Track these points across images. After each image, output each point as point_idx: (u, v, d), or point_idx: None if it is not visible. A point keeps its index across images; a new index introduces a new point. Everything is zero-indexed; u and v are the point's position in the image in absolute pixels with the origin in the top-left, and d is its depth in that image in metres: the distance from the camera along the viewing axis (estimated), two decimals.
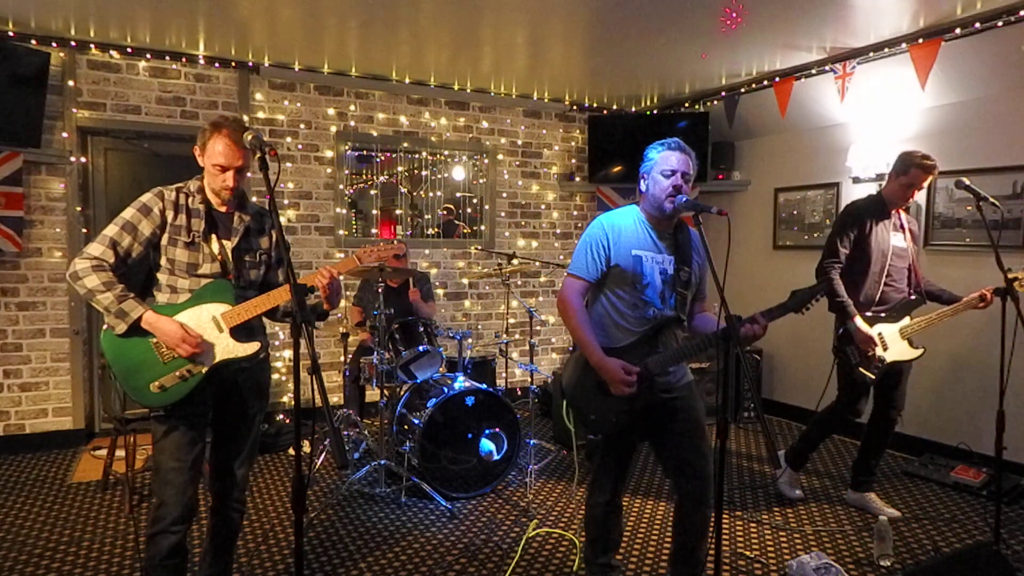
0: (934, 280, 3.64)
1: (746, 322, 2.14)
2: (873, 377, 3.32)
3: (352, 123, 5.30)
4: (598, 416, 2.34)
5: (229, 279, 2.25)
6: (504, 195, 5.94)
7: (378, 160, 5.50)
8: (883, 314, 3.38)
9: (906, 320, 3.39)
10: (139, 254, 2.18)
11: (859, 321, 3.29)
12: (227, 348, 2.21)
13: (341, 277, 2.46)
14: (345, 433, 4.40)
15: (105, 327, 2.16)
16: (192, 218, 2.22)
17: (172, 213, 2.20)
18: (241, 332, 2.24)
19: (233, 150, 2.16)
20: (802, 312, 2.21)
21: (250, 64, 4.86)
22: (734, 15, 3.62)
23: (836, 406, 3.55)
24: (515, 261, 4.46)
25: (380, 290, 3.86)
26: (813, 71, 4.68)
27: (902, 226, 3.45)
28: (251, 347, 2.25)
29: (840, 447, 4.72)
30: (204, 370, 2.17)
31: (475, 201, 5.92)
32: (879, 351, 3.31)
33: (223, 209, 2.28)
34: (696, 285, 2.40)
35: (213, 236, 2.25)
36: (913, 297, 3.43)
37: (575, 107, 6.08)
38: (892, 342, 3.35)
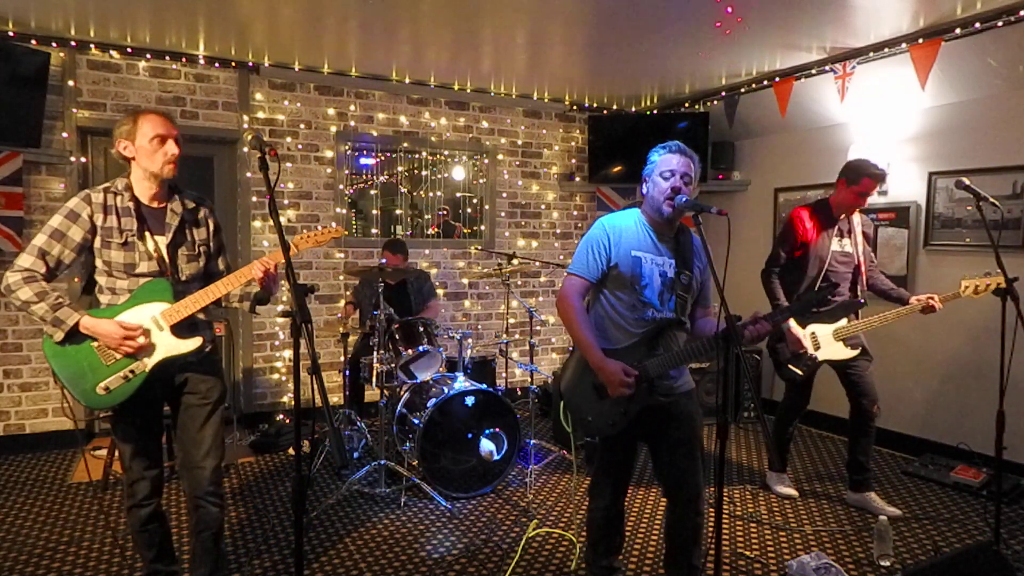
0: (931, 281, 3.66)
1: (748, 324, 2.14)
2: (800, 374, 3.48)
3: (352, 123, 5.30)
4: (595, 418, 2.34)
5: (167, 276, 2.27)
6: (504, 195, 5.94)
7: (378, 160, 5.50)
8: (813, 313, 3.47)
9: (843, 322, 3.47)
10: (71, 260, 2.21)
11: (792, 323, 3.42)
12: (169, 346, 2.24)
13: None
14: (345, 433, 4.40)
15: (45, 335, 2.18)
16: (122, 217, 2.23)
17: (101, 216, 2.21)
18: (183, 328, 2.26)
19: (166, 122, 2.24)
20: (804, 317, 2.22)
21: (250, 64, 4.86)
22: (729, 11, 3.62)
23: (785, 398, 3.77)
24: (515, 261, 4.46)
25: (380, 290, 3.86)
26: (813, 71, 4.68)
27: (850, 231, 3.54)
28: (193, 343, 2.28)
29: (840, 446, 4.72)
30: (147, 368, 2.21)
31: (475, 201, 5.92)
32: (810, 350, 3.45)
33: (154, 205, 2.30)
34: (698, 290, 2.40)
35: (147, 234, 2.26)
36: (854, 300, 3.51)
37: (575, 107, 6.08)
38: (825, 342, 3.46)
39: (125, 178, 2.29)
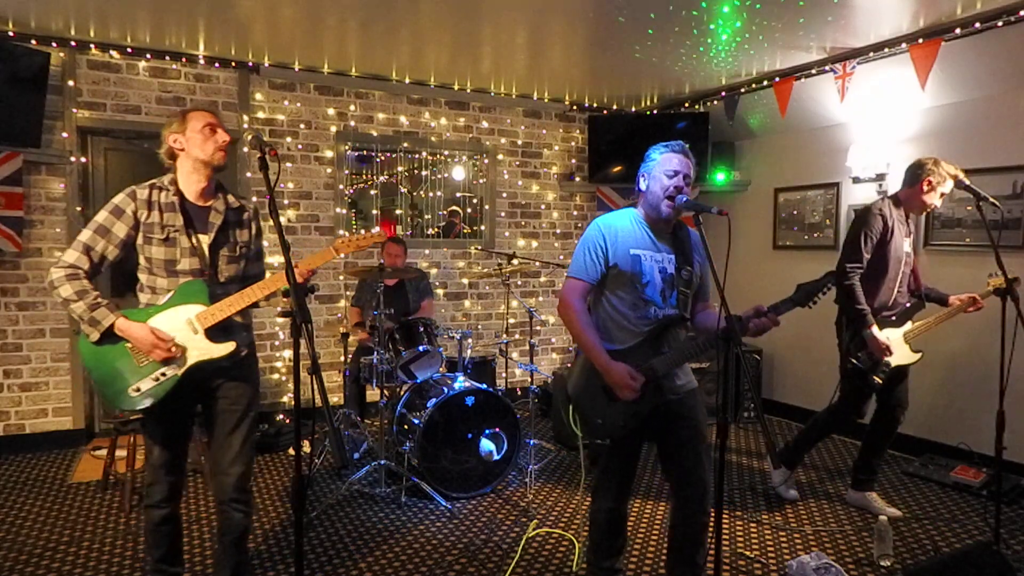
0: (932, 281, 3.66)
1: (753, 318, 2.14)
2: (880, 382, 3.32)
3: (352, 123, 5.30)
4: (605, 420, 2.32)
5: (205, 276, 2.26)
6: (504, 195, 5.94)
7: (378, 160, 5.50)
8: (892, 318, 3.39)
9: (908, 325, 3.41)
10: (115, 256, 2.21)
11: (875, 330, 3.27)
12: (202, 350, 2.22)
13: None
14: (345, 433, 4.40)
15: (81, 334, 2.18)
16: (165, 213, 2.23)
17: (145, 212, 2.21)
18: (218, 332, 2.24)
19: (214, 115, 2.29)
20: (809, 306, 2.20)
21: (250, 64, 4.86)
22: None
23: (839, 408, 3.54)
24: (515, 261, 4.46)
25: (380, 291, 3.86)
26: (813, 71, 4.68)
27: (910, 231, 3.45)
28: (227, 347, 2.26)
29: (840, 446, 4.72)
30: (179, 373, 2.19)
31: (475, 201, 5.92)
32: (886, 356, 3.31)
33: (199, 202, 2.29)
34: (697, 284, 2.40)
35: (190, 231, 2.25)
36: (915, 301, 3.46)
37: (575, 107, 6.08)
38: (896, 347, 3.34)
39: (172, 174, 2.29)
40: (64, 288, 2.12)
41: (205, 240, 2.27)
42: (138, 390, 2.16)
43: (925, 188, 3.28)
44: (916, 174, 3.32)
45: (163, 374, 2.17)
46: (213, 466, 2.39)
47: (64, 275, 2.13)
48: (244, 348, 2.35)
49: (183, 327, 2.20)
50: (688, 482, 2.34)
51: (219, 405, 2.35)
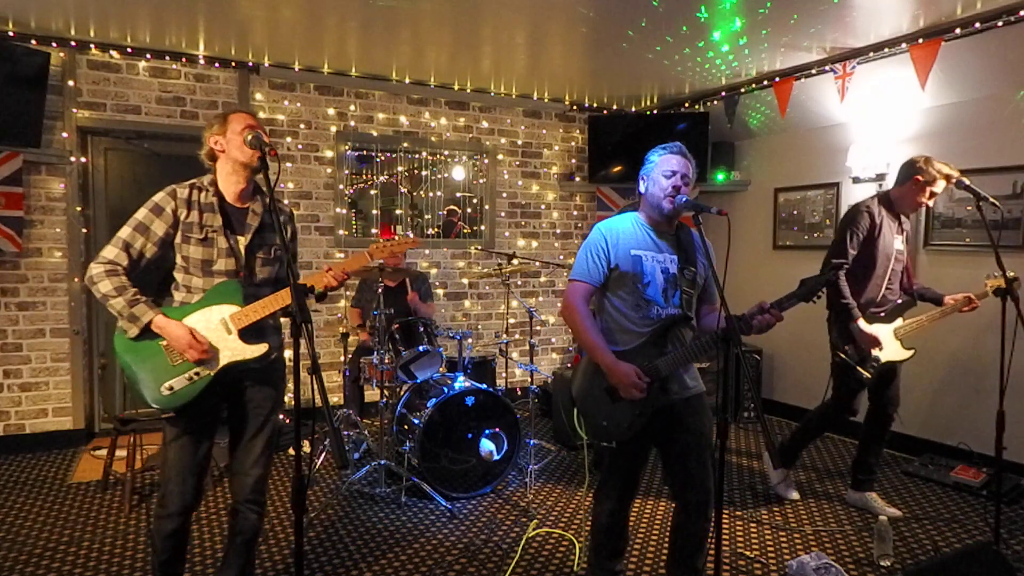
0: (931, 281, 3.66)
1: (757, 315, 2.15)
2: (870, 376, 3.35)
3: (352, 123, 5.30)
4: (610, 423, 2.32)
5: (240, 277, 2.26)
6: (504, 195, 5.94)
7: (378, 160, 5.50)
8: (881, 314, 3.40)
9: (899, 321, 3.42)
10: (154, 254, 2.21)
11: (862, 323, 3.30)
12: (235, 350, 2.22)
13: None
14: (345, 433, 4.40)
15: (118, 330, 2.19)
16: (204, 213, 2.23)
17: (185, 211, 2.22)
18: (251, 333, 2.25)
19: (254, 117, 2.29)
20: (813, 301, 2.21)
21: (250, 64, 4.86)
22: None
23: (831, 404, 3.56)
24: (515, 261, 4.46)
25: (380, 291, 3.86)
26: (813, 71, 4.68)
27: (903, 229, 3.46)
28: (259, 349, 2.26)
29: (840, 446, 4.72)
30: (212, 373, 2.19)
31: (475, 201, 5.92)
32: (875, 351, 3.33)
33: (237, 204, 2.30)
34: (702, 286, 2.40)
35: (228, 232, 2.26)
36: (906, 299, 3.47)
37: (575, 107, 6.08)
38: (886, 343, 3.37)
39: (212, 175, 2.30)
40: (104, 284, 2.12)
41: (242, 241, 2.28)
42: (171, 388, 2.16)
43: (915, 187, 3.31)
44: (907, 173, 3.35)
45: (196, 374, 2.18)
46: (234, 466, 2.39)
47: (103, 271, 2.14)
48: (275, 351, 2.36)
49: (217, 327, 2.20)
50: (690, 486, 2.34)
51: (246, 408, 2.35)
